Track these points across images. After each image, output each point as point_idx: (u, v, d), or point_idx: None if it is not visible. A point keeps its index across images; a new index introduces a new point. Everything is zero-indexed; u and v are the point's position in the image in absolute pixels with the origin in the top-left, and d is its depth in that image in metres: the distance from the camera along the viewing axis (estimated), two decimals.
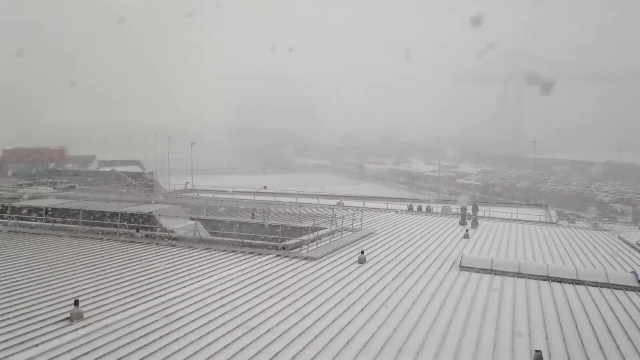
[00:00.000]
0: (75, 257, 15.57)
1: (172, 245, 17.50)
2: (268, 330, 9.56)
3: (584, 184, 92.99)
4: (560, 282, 14.20)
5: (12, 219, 21.34)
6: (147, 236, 18.87)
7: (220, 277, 13.31)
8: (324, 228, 20.04)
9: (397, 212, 30.54)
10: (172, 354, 8.35)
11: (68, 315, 9.83)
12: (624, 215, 61.50)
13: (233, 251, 16.60)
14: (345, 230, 20.96)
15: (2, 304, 10.70)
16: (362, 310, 11.02)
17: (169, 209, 22.55)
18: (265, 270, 14.20)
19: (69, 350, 8.34)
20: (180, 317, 10.10)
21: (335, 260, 15.77)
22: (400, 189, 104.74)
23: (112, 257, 15.58)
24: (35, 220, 21.02)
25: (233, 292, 11.96)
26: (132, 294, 11.59)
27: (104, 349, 8.40)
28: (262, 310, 10.72)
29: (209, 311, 10.55)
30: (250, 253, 16.36)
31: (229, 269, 14.26)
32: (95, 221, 20.27)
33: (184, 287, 12.31)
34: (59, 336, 8.93)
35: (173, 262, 15.11)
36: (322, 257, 16.06)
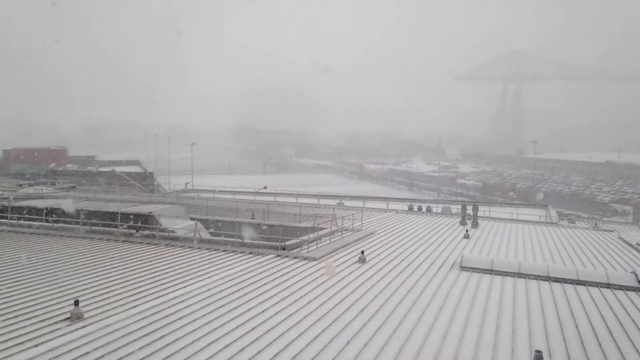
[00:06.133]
0: (75, 257, 15.57)
1: (172, 245, 17.50)
2: (268, 330, 9.55)
3: (584, 184, 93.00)
4: (560, 282, 14.19)
5: (12, 219, 21.34)
6: (147, 236, 18.87)
7: (221, 277, 13.30)
8: (324, 228, 20.03)
9: (397, 213, 30.53)
10: (172, 354, 8.34)
11: (68, 315, 9.83)
12: (624, 215, 61.44)
13: (233, 251, 16.60)
14: (346, 230, 20.95)
15: (2, 304, 10.69)
16: (362, 310, 11.02)
17: (169, 209, 22.53)
18: (266, 271, 14.20)
19: (69, 350, 8.33)
20: (180, 317, 10.10)
21: (335, 261, 15.76)
22: (400, 189, 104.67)
23: (112, 257, 15.57)
24: (35, 220, 21.02)
25: (233, 292, 11.96)
26: (132, 294, 11.59)
27: (104, 349, 8.40)
28: (262, 310, 10.72)
29: (209, 311, 10.55)
30: (251, 253, 16.36)
31: (229, 269, 14.25)
32: (95, 221, 20.26)
33: (184, 287, 12.31)
34: (59, 336, 8.93)
35: (173, 262, 15.10)
36: (322, 257, 16.05)
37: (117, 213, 19.86)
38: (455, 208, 30.81)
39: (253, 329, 9.63)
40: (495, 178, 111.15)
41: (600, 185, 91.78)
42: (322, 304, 11.28)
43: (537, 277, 14.48)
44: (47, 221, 20.67)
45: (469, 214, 26.41)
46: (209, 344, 8.80)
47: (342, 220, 21.76)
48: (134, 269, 14.05)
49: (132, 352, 8.33)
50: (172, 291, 11.92)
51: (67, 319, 9.75)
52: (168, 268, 14.29)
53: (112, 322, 9.65)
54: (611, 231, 26.71)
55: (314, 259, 15.70)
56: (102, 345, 8.55)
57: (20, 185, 47.64)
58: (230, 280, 13.07)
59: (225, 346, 8.74)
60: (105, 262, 14.88)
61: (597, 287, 13.87)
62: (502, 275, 14.71)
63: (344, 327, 9.86)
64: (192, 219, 19.84)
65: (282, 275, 13.79)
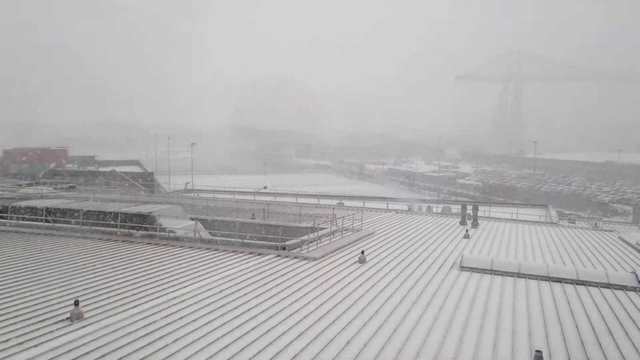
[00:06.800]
0: (75, 257, 15.56)
1: (172, 245, 17.50)
2: (268, 330, 9.55)
3: (584, 184, 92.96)
4: (560, 282, 14.19)
5: (12, 219, 21.33)
6: (147, 236, 18.86)
7: (220, 277, 13.31)
8: (324, 228, 20.03)
9: (397, 213, 30.53)
10: (172, 354, 8.34)
11: (68, 315, 9.83)
12: (624, 215, 61.43)
13: (233, 251, 16.60)
14: (346, 230, 20.95)
15: (2, 304, 10.69)
16: (362, 310, 11.02)
17: (169, 209, 22.53)
18: (266, 271, 14.20)
19: (69, 350, 8.33)
20: (180, 317, 10.10)
21: (335, 261, 15.77)
22: (400, 189, 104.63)
23: (112, 257, 15.57)
24: (35, 220, 21.01)
25: (233, 292, 11.96)
26: (132, 294, 11.59)
27: (104, 349, 8.40)
28: (263, 310, 10.72)
29: (209, 311, 10.55)
30: (250, 253, 16.36)
31: (229, 269, 14.25)
32: (95, 221, 20.26)
33: (184, 287, 12.31)
34: (59, 336, 8.93)
35: (173, 262, 15.10)
36: (322, 257, 16.05)
37: (117, 213, 19.85)
38: (455, 208, 30.80)
39: (253, 329, 9.63)
40: (495, 178, 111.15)
41: (600, 185, 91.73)
42: (322, 304, 11.29)
43: (537, 277, 14.48)
44: (47, 221, 20.67)
45: (469, 214, 26.41)
46: (209, 344, 8.80)
47: (342, 220, 21.75)
48: (134, 269, 14.05)
49: (132, 352, 8.33)
50: (172, 291, 11.92)
51: (67, 319, 9.75)
52: (168, 268, 14.29)
53: (112, 322, 9.65)
54: (611, 231, 26.71)
55: (314, 259, 15.69)
56: (102, 345, 8.55)
57: (20, 185, 47.63)
58: (230, 280, 13.07)
59: (225, 346, 8.74)
60: (105, 262, 14.88)
61: (597, 287, 13.87)
62: (502, 275, 14.71)
63: (344, 327, 9.87)
64: (192, 219, 19.84)
65: (282, 275, 13.79)
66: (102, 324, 9.54)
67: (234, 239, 17.63)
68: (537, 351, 8.49)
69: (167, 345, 8.69)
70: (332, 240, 18.70)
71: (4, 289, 11.86)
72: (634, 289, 13.71)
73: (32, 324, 9.54)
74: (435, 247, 19.22)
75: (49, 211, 21.10)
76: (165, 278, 13.14)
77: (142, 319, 9.93)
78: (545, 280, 14.32)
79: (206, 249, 16.97)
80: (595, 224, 31.43)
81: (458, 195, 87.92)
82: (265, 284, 12.83)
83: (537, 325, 10.55)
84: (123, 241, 18.19)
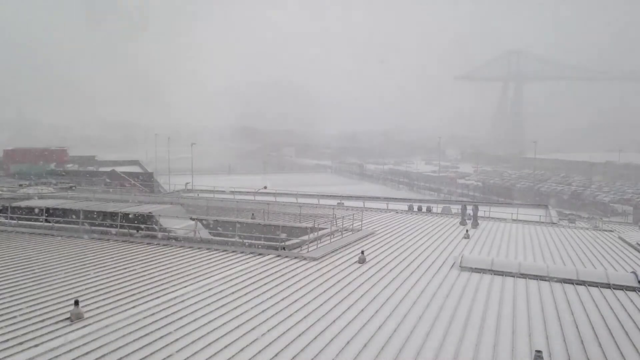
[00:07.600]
0: (75, 257, 15.57)
1: (172, 245, 17.50)
2: (268, 330, 9.55)
3: (584, 184, 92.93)
4: (560, 282, 14.19)
5: (12, 219, 21.34)
6: (146, 236, 18.87)
7: (220, 277, 13.30)
8: (324, 228, 20.03)
9: (397, 213, 30.52)
10: (172, 354, 8.34)
11: (68, 315, 9.84)
12: (624, 215, 61.40)
13: (233, 251, 16.60)
14: (346, 230, 20.95)
15: (2, 304, 10.69)
16: (362, 310, 11.02)
17: (169, 209, 22.54)
18: (266, 271, 14.20)
19: (69, 350, 8.33)
20: (180, 317, 10.10)
21: (335, 261, 15.77)
22: (400, 189, 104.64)
23: (112, 257, 15.57)
24: (35, 220, 21.01)
25: (233, 292, 11.96)
26: (132, 294, 11.59)
27: (104, 349, 8.40)
28: (262, 311, 10.72)
29: (209, 311, 10.55)
30: (251, 253, 16.36)
31: (229, 269, 14.25)
32: (95, 221, 20.26)
33: (184, 287, 12.31)
34: (59, 336, 8.93)
35: (173, 262, 15.10)
36: (322, 257, 16.05)
37: (117, 213, 19.85)
38: (455, 208, 30.80)
39: (253, 329, 9.63)
40: (495, 178, 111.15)
41: (600, 185, 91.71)
42: (322, 304, 11.29)
43: (537, 277, 14.48)
44: (47, 221, 20.67)
45: (469, 214, 26.40)
46: (209, 344, 8.80)
47: (342, 220, 21.75)
48: (134, 269, 14.05)
49: (132, 352, 8.33)
50: (172, 291, 11.92)
51: (67, 319, 9.75)
52: (168, 268, 14.29)
53: (112, 322, 9.65)
54: (611, 231, 26.70)
55: (314, 259, 15.70)
56: (102, 345, 8.55)
57: (21, 185, 47.63)
58: (230, 280, 13.07)
59: (225, 346, 8.74)
60: (105, 262, 14.88)
61: (597, 287, 13.87)
62: (502, 275, 14.71)
63: (344, 327, 9.87)
64: (192, 219, 19.84)
65: (282, 275, 13.79)
66: (102, 324, 9.54)
67: (234, 239, 17.63)
68: (537, 351, 8.48)
69: (167, 345, 8.69)
70: (332, 240, 18.70)
71: (4, 289, 11.86)
72: (634, 289, 13.71)
73: (32, 324, 9.55)
74: (435, 247, 19.22)
75: (49, 211, 21.11)
76: (165, 278, 13.14)
77: (142, 319, 9.93)
78: (546, 280, 14.32)
79: (206, 249, 16.97)
80: (596, 224, 31.41)
81: (458, 195, 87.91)
82: (265, 284, 12.83)
83: (537, 325, 10.55)
84: (123, 241, 18.20)
